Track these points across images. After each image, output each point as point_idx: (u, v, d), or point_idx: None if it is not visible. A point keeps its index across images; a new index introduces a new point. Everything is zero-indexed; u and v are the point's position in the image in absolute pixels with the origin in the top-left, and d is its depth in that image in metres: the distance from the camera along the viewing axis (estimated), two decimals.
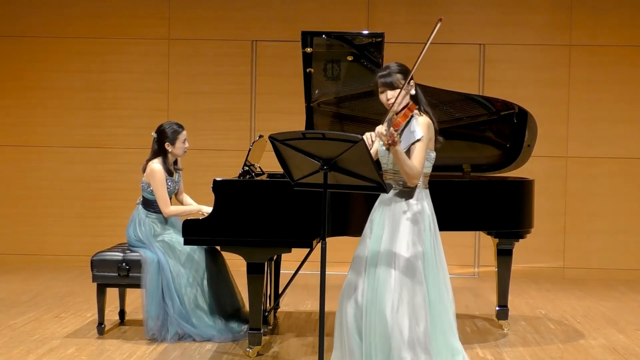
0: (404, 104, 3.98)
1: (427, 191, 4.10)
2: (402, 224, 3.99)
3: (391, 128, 3.82)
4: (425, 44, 3.90)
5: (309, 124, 5.36)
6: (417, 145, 3.93)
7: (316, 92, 5.34)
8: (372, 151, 3.98)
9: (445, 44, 8.06)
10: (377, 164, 3.95)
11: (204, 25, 8.27)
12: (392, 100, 3.96)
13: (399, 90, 3.94)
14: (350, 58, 5.31)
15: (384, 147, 4.04)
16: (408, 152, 3.94)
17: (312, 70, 5.26)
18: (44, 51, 8.32)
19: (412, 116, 3.98)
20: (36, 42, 8.32)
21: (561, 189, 8.17)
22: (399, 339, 3.85)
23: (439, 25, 3.85)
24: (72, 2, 8.31)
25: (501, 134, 5.80)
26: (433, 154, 4.07)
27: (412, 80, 4.00)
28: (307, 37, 5.22)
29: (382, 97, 4.02)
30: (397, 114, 3.96)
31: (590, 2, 8.14)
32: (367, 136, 3.95)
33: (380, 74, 4.03)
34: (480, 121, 5.73)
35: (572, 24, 8.14)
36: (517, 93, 7.64)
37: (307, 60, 5.24)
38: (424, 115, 4.02)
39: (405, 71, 4.00)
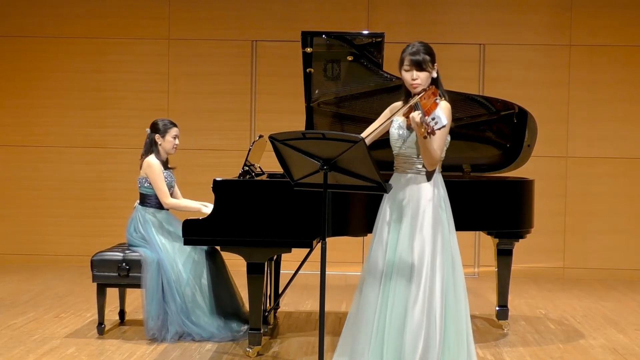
0: (425, 86, 3.96)
1: (441, 176, 4.08)
2: (420, 219, 3.96)
3: (426, 117, 3.70)
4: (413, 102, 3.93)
5: (309, 124, 5.36)
6: (441, 131, 3.83)
7: (316, 92, 5.34)
8: (379, 131, 4.00)
9: (445, 44, 8.06)
10: (377, 163, 3.95)
11: (204, 25, 8.27)
12: (417, 81, 3.94)
13: (426, 72, 3.94)
14: (350, 58, 5.30)
15: (398, 131, 4.01)
16: None
17: (312, 70, 5.26)
18: (44, 51, 8.33)
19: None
20: (36, 42, 8.33)
21: (561, 189, 8.17)
22: (411, 351, 3.85)
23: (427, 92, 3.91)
24: (72, 2, 8.31)
25: (501, 134, 5.80)
26: (449, 138, 4.04)
27: (435, 64, 4.00)
28: (307, 37, 5.22)
29: (407, 75, 3.96)
30: (420, 96, 3.89)
31: (590, 2, 8.14)
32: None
33: (410, 51, 3.96)
34: (480, 121, 5.73)
35: (572, 24, 8.14)
36: (517, 93, 7.64)
37: (307, 60, 5.24)
38: (443, 99, 3.99)
39: (432, 53, 3.98)
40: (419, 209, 3.96)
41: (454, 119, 5.57)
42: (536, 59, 8.16)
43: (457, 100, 5.58)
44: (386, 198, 4.10)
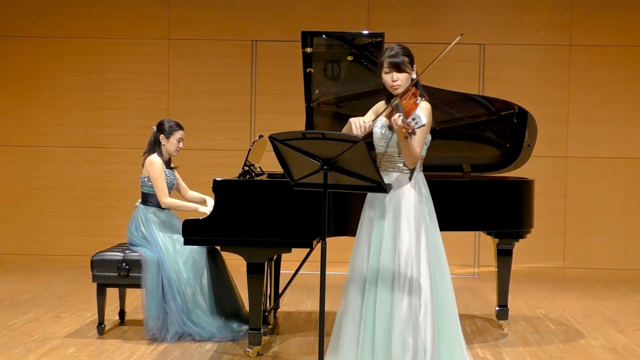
0: (405, 87, 4.05)
1: (422, 174, 4.18)
2: (403, 214, 4.04)
3: (407, 119, 3.82)
4: (441, 53, 4.03)
5: (309, 124, 5.36)
6: (421, 130, 3.97)
7: (316, 92, 5.34)
8: (361, 131, 4.03)
9: (446, 44, 8.03)
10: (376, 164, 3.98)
11: (204, 25, 8.27)
12: (398, 82, 4.03)
13: (405, 73, 4.05)
14: (350, 58, 5.30)
15: (381, 131, 4.10)
16: None
17: (312, 70, 5.26)
18: (44, 51, 8.33)
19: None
20: (36, 42, 8.33)
21: (561, 189, 8.17)
22: (400, 348, 3.90)
23: (459, 38, 3.99)
24: (72, 2, 8.31)
25: (501, 134, 5.80)
26: (429, 137, 4.16)
27: (414, 65, 4.10)
28: (307, 37, 5.22)
29: (387, 77, 4.07)
30: (401, 97, 3.99)
31: (590, 2, 8.14)
32: (356, 122, 3.92)
33: (388, 54, 4.07)
34: (480, 121, 5.73)
35: (572, 24, 8.14)
36: (517, 93, 7.64)
37: (307, 60, 5.24)
38: (423, 99, 4.10)
39: (410, 55, 4.10)
40: (401, 208, 4.05)
41: (454, 118, 5.62)
42: (536, 59, 8.16)
43: (457, 100, 5.60)
44: (369, 197, 4.15)
